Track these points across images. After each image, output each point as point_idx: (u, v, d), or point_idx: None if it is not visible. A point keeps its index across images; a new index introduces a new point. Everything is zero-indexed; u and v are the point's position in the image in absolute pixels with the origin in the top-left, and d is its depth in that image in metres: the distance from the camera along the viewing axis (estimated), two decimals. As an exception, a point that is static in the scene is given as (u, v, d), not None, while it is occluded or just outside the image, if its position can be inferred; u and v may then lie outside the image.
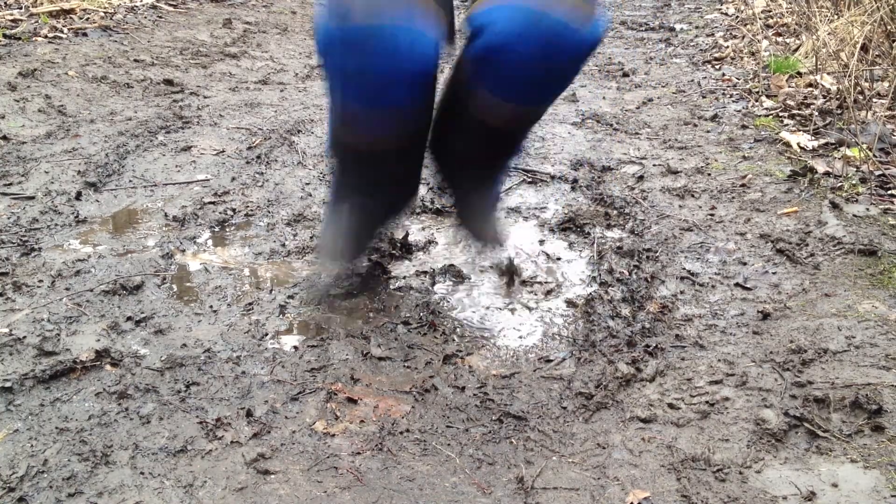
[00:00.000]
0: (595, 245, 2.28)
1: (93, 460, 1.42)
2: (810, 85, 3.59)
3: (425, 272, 2.11)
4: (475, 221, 1.90)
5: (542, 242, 2.30)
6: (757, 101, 3.56)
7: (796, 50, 4.14)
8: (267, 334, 1.83)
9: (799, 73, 3.76)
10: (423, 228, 2.38)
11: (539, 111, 1.75)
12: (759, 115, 3.37)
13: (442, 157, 1.89)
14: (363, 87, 1.46)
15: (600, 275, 2.11)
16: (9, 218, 2.34)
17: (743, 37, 4.73)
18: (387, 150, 1.64)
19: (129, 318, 1.86)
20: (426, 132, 1.74)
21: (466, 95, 1.65)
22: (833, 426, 1.51)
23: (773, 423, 1.52)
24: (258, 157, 2.91)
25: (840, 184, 2.57)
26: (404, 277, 2.09)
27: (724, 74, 4.09)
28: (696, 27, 5.45)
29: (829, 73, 3.55)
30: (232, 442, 1.48)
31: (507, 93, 1.58)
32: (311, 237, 2.29)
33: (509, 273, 2.08)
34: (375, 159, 1.67)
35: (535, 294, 2.03)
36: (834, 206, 2.40)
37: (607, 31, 1.54)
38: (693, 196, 2.59)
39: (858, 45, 3.20)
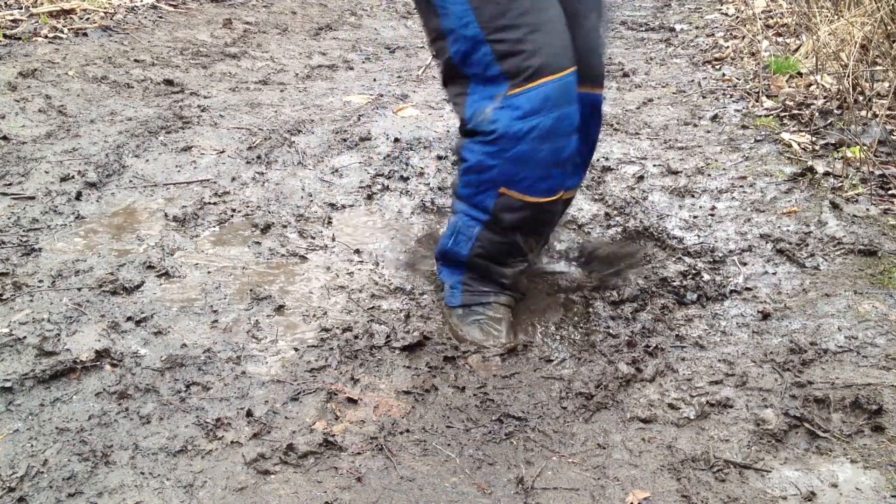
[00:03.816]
0: (595, 245, 2.27)
1: (93, 460, 1.42)
2: (810, 85, 3.59)
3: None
4: None
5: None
6: (757, 101, 3.56)
7: (796, 50, 4.14)
8: (267, 334, 1.83)
9: (799, 74, 3.76)
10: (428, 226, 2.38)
11: None
12: (760, 116, 3.37)
13: None
14: (546, 165, 1.65)
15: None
16: (9, 218, 2.34)
17: (743, 37, 4.73)
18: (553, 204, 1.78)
19: (129, 318, 1.86)
20: None
21: None
22: (833, 426, 1.51)
23: (773, 423, 1.52)
24: (258, 157, 2.91)
25: (840, 184, 2.57)
26: (405, 277, 2.09)
27: (724, 75, 4.09)
28: (697, 27, 5.45)
29: (829, 74, 3.55)
30: (232, 442, 1.48)
31: None
32: (310, 237, 2.30)
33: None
34: (543, 216, 1.80)
35: (536, 294, 2.03)
36: (834, 206, 2.40)
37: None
38: (693, 196, 2.59)
39: (858, 46, 3.20)
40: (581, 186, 2.68)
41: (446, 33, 1.62)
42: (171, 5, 5.53)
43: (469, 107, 1.65)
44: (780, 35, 4.64)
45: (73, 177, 2.65)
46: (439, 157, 2.91)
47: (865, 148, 2.70)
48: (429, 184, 2.65)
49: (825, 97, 3.38)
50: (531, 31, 1.56)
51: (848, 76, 3.04)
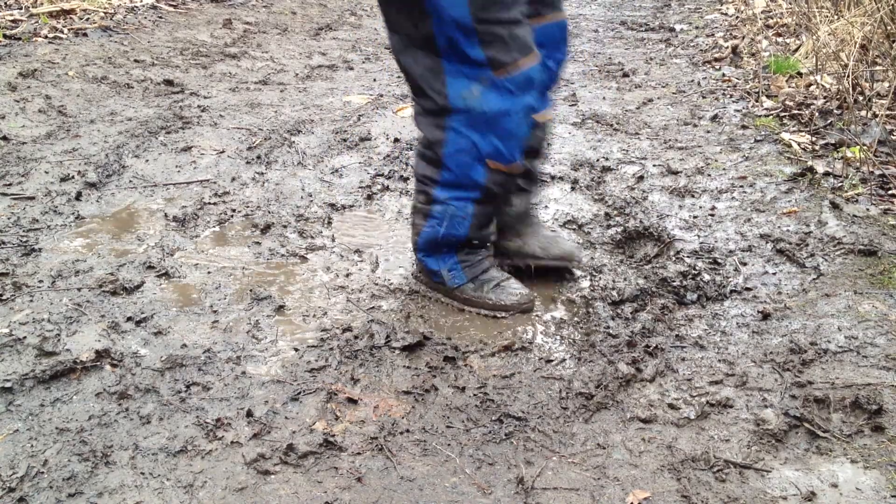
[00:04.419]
0: (595, 245, 2.28)
1: (93, 460, 1.42)
2: (810, 85, 3.59)
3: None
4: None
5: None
6: (757, 101, 3.56)
7: (796, 50, 4.14)
8: (267, 334, 1.83)
9: (799, 74, 3.76)
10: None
11: None
12: (759, 116, 3.37)
13: None
14: (523, 137, 1.79)
15: (601, 274, 2.11)
16: (9, 218, 2.34)
17: (743, 37, 4.73)
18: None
19: (129, 318, 1.86)
20: None
21: None
22: (833, 426, 1.51)
23: (773, 423, 1.52)
24: (258, 157, 2.91)
25: (840, 184, 2.57)
26: (405, 277, 2.09)
27: (724, 75, 4.09)
28: (696, 27, 5.45)
29: (829, 74, 3.55)
30: (232, 442, 1.48)
31: None
32: (310, 237, 2.30)
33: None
34: (517, 174, 1.90)
35: (535, 294, 2.03)
36: (834, 206, 2.40)
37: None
38: (693, 196, 2.59)
39: (858, 46, 3.20)
40: (581, 186, 2.68)
41: (430, 12, 1.65)
42: (171, 5, 5.53)
43: (450, 85, 1.71)
44: (780, 35, 4.64)
45: (73, 177, 2.65)
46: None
47: (865, 148, 2.70)
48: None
49: (825, 97, 3.38)
50: (515, 22, 1.66)
51: (848, 76, 3.04)
